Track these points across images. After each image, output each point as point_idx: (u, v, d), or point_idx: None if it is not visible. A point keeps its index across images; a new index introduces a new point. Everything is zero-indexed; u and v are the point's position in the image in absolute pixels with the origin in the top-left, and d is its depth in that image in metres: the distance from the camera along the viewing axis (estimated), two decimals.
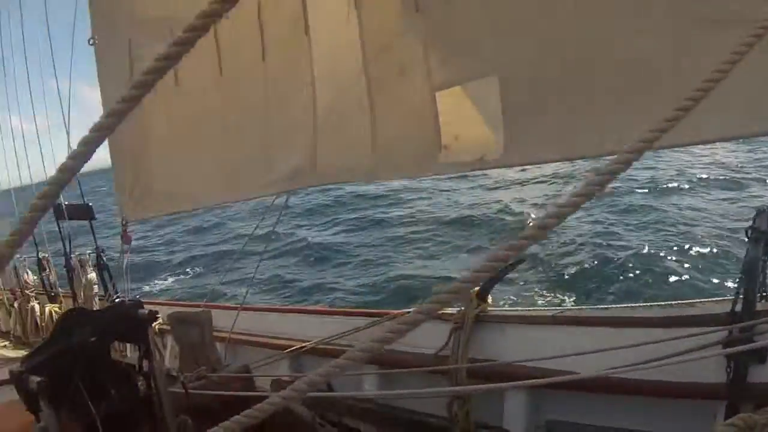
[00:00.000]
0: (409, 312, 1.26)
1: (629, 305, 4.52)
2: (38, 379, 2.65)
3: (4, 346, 10.34)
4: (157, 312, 3.14)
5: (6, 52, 10.68)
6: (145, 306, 3.17)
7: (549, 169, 24.70)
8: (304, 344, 5.18)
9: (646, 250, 14.25)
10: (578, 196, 1.23)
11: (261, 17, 4.72)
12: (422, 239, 19.30)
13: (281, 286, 16.87)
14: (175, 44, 1.16)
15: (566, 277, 13.67)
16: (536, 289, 12.90)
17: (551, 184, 24.31)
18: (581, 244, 15.23)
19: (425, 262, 16.96)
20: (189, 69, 5.25)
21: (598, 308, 4.61)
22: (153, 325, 3.19)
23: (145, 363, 3.12)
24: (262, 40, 4.78)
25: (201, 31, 1.16)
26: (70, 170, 1.17)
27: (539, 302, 12.10)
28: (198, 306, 6.22)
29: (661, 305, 4.12)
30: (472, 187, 25.63)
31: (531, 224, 1.26)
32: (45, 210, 1.20)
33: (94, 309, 3.12)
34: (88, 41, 5.97)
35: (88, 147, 1.17)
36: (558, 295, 12.47)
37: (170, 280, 20.57)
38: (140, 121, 5.56)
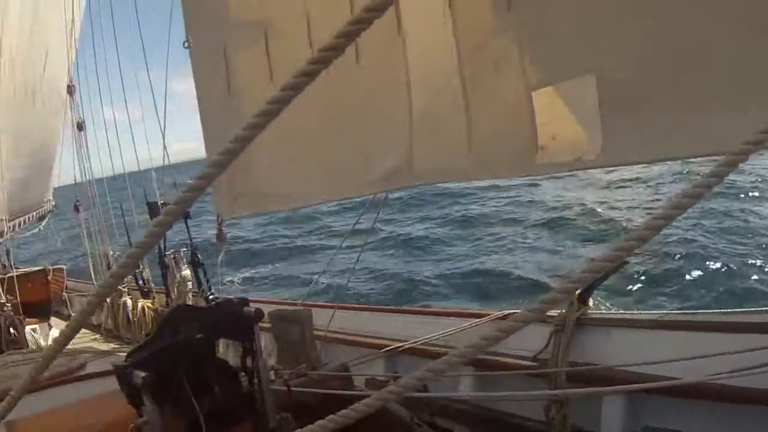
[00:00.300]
0: (514, 313, 1.25)
1: (735, 310, 4.38)
2: (143, 374, 2.67)
3: (95, 339, 10.68)
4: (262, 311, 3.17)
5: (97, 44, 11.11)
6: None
7: (633, 171, 24.19)
8: (400, 344, 5.20)
9: (723, 261, 13.75)
10: (686, 197, 1.21)
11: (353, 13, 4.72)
12: (505, 238, 19.15)
13: (367, 280, 16.98)
14: (284, 89, 1.20)
15: (635, 286, 13.31)
16: (600, 299, 12.42)
17: (635, 188, 23.77)
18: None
19: (506, 261, 16.87)
20: (283, 67, 5.31)
21: (702, 312, 4.48)
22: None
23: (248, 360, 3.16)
24: (355, 41, 4.79)
25: (309, 77, 1.19)
26: (186, 201, 1.30)
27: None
28: (295, 304, 6.29)
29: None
30: (558, 188, 25.24)
31: (636, 227, 1.23)
32: (165, 229, 1.30)
33: (197, 306, 3.14)
34: (183, 44, 6.09)
35: (203, 182, 1.28)
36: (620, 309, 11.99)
37: (251, 272, 20.87)
38: (237, 121, 5.62)
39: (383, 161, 4.82)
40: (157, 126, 8.13)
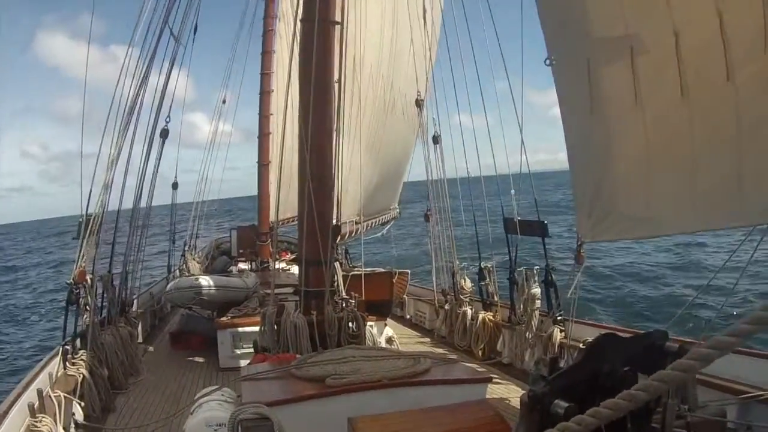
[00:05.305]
0: None
1: None
2: (566, 404, 2.52)
3: (424, 342, 10.98)
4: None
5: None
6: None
7: None
8: (761, 393, 4.74)
9: None
10: None
11: (723, 35, 4.41)
12: None
13: None
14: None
15: None
16: None
17: None
18: None
19: None
20: (650, 87, 5.09)
21: None
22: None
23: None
24: (726, 58, 4.46)
25: None
26: None
27: None
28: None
29: None
30: None
31: None
32: None
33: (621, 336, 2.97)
34: (545, 62, 6.10)
35: None
36: None
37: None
38: (602, 140, 5.59)
39: (761, 192, 4.41)
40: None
